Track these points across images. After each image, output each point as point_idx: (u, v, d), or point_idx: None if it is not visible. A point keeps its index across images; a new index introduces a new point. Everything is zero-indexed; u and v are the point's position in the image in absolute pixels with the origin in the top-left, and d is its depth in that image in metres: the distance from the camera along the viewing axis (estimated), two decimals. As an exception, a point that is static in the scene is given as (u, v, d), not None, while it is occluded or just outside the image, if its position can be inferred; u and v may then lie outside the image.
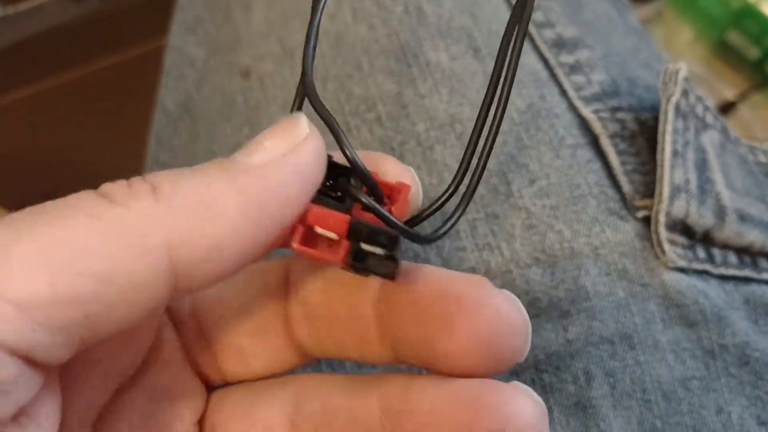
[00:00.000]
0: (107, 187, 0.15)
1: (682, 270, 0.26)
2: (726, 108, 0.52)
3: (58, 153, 0.64)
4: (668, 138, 0.26)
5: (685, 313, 0.25)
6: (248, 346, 0.20)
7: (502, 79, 0.18)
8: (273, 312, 0.20)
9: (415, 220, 0.18)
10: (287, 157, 0.15)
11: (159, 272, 0.14)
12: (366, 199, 0.16)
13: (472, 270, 0.26)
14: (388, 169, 0.18)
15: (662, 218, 0.25)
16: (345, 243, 0.16)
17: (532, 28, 0.30)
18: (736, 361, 0.25)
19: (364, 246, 0.16)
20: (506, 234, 0.26)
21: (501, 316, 0.16)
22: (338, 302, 0.19)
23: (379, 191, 0.17)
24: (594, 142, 0.27)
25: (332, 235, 0.16)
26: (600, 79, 0.29)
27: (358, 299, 0.18)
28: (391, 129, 0.28)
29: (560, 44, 0.29)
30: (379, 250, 0.16)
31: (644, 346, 0.25)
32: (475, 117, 0.19)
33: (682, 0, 0.56)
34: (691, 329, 0.25)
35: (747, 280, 0.27)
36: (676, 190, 0.26)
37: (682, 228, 0.26)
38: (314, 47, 0.16)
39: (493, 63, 0.18)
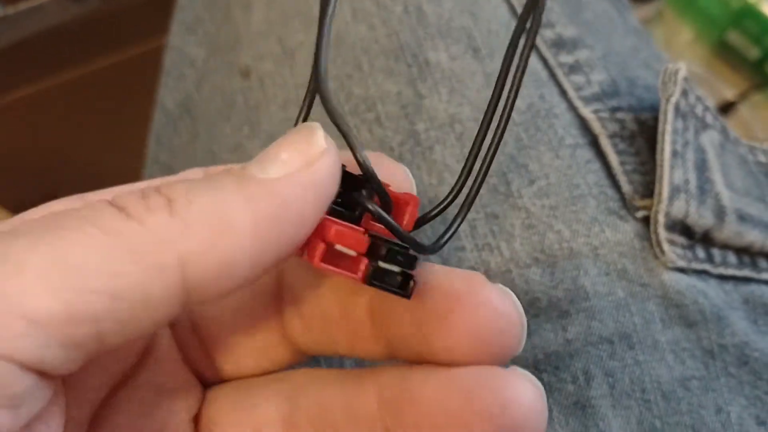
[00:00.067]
0: (122, 199, 0.15)
1: (681, 270, 0.26)
2: (726, 108, 0.52)
3: (58, 153, 0.64)
4: (668, 138, 0.26)
5: (685, 313, 0.25)
6: (243, 343, 0.20)
7: (506, 91, 0.18)
8: (267, 310, 0.20)
9: (417, 223, 0.18)
10: (303, 173, 0.15)
11: (172, 289, 0.14)
12: (379, 212, 0.16)
13: (472, 270, 0.26)
14: (382, 166, 0.18)
15: (662, 218, 0.25)
16: (365, 260, 0.16)
17: (531, 28, 0.30)
18: (735, 361, 0.25)
19: (382, 264, 0.16)
20: (506, 234, 0.26)
21: (496, 310, 0.16)
22: (332, 301, 0.19)
23: (390, 202, 0.17)
24: (593, 142, 0.27)
25: (351, 252, 0.16)
26: (599, 79, 0.29)
27: (352, 297, 0.18)
28: (391, 129, 0.28)
29: (560, 44, 0.29)
30: (396, 268, 0.16)
31: (643, 346, 0.25)
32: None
33: (682, 0, 0.56)
34: (691, 329, 0.25)
35: (746, 280, 0.27)
36: (675, 190, 0.26)
37: (682, 228, 0.26)
38: (327, 46, 0.16)
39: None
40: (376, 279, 0.16)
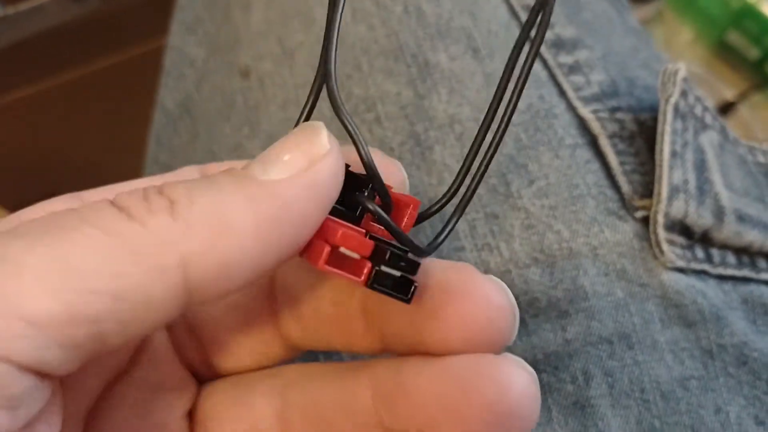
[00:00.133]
0: (123, 200, 0.15)
1: (680, 270, 0.26)
2: (726, 108, 0.52)
3: (58, 153, 0.64)
4: (667, 138, 0.26)
5: (684, 313, 0.25)
6: (237, 340, 0.20)
7: (507, 98, 0.18)
8: (261, 307, 0.20)
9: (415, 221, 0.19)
10: (306, 175, 0.15)
11: (173, 291, 0.14)
12: (381, 214, 0.16)
13: None
14: (376, 162, 0.18)
15: (661, 218, 0.25)
16: (368, 264, 0.16)
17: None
18: (734, 361, 0.25)
19: (384, 268, 0.16)
20: (505, 234, 0.26)
21: (488, 301, 0.16)
22: (325, 297, 0.19)
23: (391, 203, 0.17)
24: (593, 143, 0.27)
25: (355, 255, 0.16)
26: (599, 79, 0.29)
27: (345, 294, 0.18)
28: (391, 129, 0.28)
29: (559, 44, 0.29)
30: (397, 273, 0.16)
31: (643, 346, 0.25)
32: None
33: (682, 0, 0.56)
34: (690, 329, 0.25)
35: (745, 280, 0.27)
36: (674, 191, 0.26)
37: (681, 228, 0.26)
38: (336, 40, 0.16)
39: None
40: (377, 283, 0.16)
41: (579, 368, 0.25)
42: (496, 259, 0.26)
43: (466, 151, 0.23)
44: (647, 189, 0.26)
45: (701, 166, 0.27)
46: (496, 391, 0.16)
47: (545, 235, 0.26)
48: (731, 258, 0.27)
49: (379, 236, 0.17)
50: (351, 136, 0.16)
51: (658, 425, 0.24)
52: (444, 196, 0.18)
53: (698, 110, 0.28)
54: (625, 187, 0.26)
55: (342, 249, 0.16)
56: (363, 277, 0.16)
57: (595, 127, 0.27)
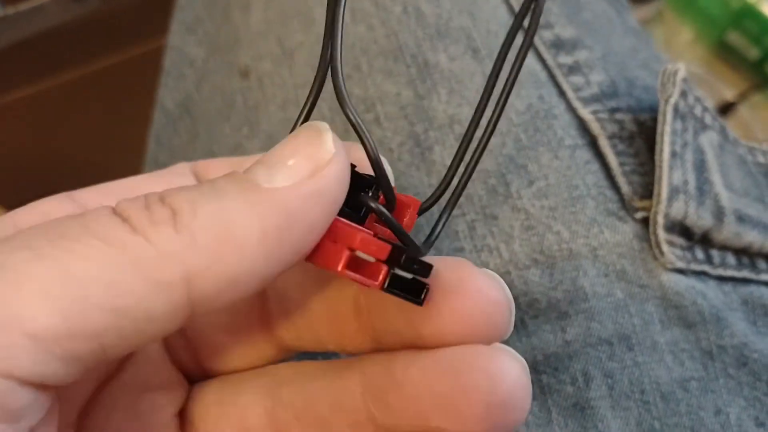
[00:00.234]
0: (125, 208, 0.14)
1: (680, 271, 0.26)
2: (725, 108, 0.52)
3: (58, 153, 0.64)
4: (667, 139, 0.26)
5: (684, 314, 0.25)
6: (227, 341, 0.20)
7: (498, 92, 0.18)
8: (251, 307, 0.20)
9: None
10: (312, 182, 0.15)
11: (176, 305, 0.14)
12: (386, 215, 0.16)
13: None
14: (362, 157, 0.18)
15: (661, 219, 0.25)
16: (384, 268, 0.16)
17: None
18: (734, 362, 0.25)
19: (399, 271, 0.16)
20: (505, 235, 0.26)
21: (483, 295, 0.16)
22: (316, 297, 0.19)
23: (395, 204, 0.17)
24: (592, 143, 0.27)
25: (371, 259, 0.16)
26: (599, 79, 0.29)
27: (336, 293, 0.18)
28: (390, 130, 0.28)
29: (559, 45, 0.29)
30: (409, 276, 0.16)
31: (643, 347, 0.25)
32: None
33: (682, 0, 0.56)
34: (690, 330, 0.25)
35: (745, 281, 0.27)
36: (674, 191, 0.26)
37: (681, 229, 0.26)
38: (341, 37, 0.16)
39: (491, 63, 0.18)
40: (392, 286, 0.16)
41: (579, 369, 0.24)
42: (495, 260, 0.26)
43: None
44: (647, 190, 0.26)
45: (701, 167, 0.27)
46: (488, 383, 0.15)
47: (545, 236, 0.26)
48: (731, 259, 0.27)
49: (383, 237, 0.17)
50: (357, 132, 0.16)
51: (658, 427, 0.24)
52: (435, 191, 0.18)
53: (698, 110, 0.28)
54: (625, 188, 0.26)
55: (359, 253, 0.16)
56: (379, 281, 0.16)
57: (595, 127, 0.27)
